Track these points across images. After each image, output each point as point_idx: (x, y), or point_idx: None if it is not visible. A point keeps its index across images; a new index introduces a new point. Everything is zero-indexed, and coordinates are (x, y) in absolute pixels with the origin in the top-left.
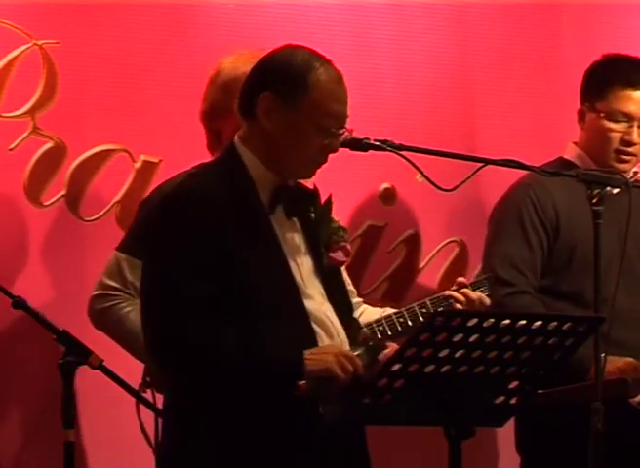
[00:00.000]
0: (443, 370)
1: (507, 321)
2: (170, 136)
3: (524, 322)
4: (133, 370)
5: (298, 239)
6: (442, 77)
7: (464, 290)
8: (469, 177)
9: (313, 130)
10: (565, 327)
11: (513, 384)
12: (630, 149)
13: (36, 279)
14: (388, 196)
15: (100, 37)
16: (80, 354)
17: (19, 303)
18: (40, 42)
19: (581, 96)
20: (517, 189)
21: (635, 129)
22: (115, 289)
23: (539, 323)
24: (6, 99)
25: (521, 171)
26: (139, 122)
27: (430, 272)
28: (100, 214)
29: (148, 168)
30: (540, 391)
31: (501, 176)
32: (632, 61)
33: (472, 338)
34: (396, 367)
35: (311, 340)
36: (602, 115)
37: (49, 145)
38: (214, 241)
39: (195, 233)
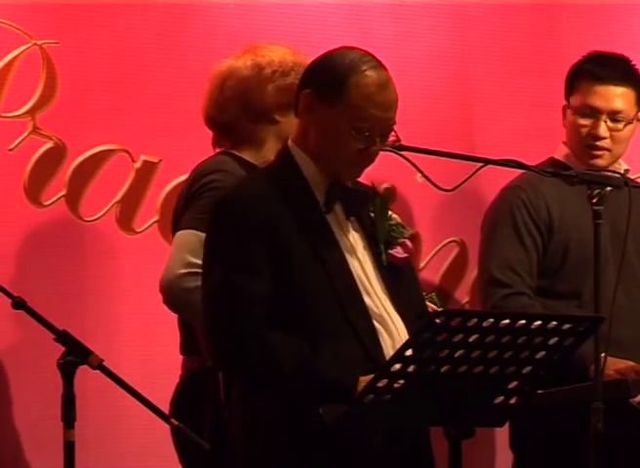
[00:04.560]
0: (443, 370)
1: (507, 321)
2: (170, 136)
3: (524, 322)
4: (133, 370)
5: (358, 238)
6: (442, 77)
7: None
8: (469, 177)
9: (348, 132)
10: (565, 327)
11: (513, 384)
12: (599, 143)
13: (36, 279)
14: (388, 196)
15: (99, 37)
16: (80, 354)
17: (19, 303)
18: (40, 42)
19: (564, 93)
20: (508, 192)
21: (602, 123)
22: (201, 266)
23: (538, 323)
24: (6, 99)
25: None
26: (139, 122)
27: (430, 272)
28: (100, 214)
29: (148, 168)
30: (539, 391)
31: (501, 176)
32: (602, 56)
33: (472, 338)
34: (396, 367)
35: (373, 338)
36: (573, 111)
37: (49, 145)
38: (268, 240)
39: (247, 233)
